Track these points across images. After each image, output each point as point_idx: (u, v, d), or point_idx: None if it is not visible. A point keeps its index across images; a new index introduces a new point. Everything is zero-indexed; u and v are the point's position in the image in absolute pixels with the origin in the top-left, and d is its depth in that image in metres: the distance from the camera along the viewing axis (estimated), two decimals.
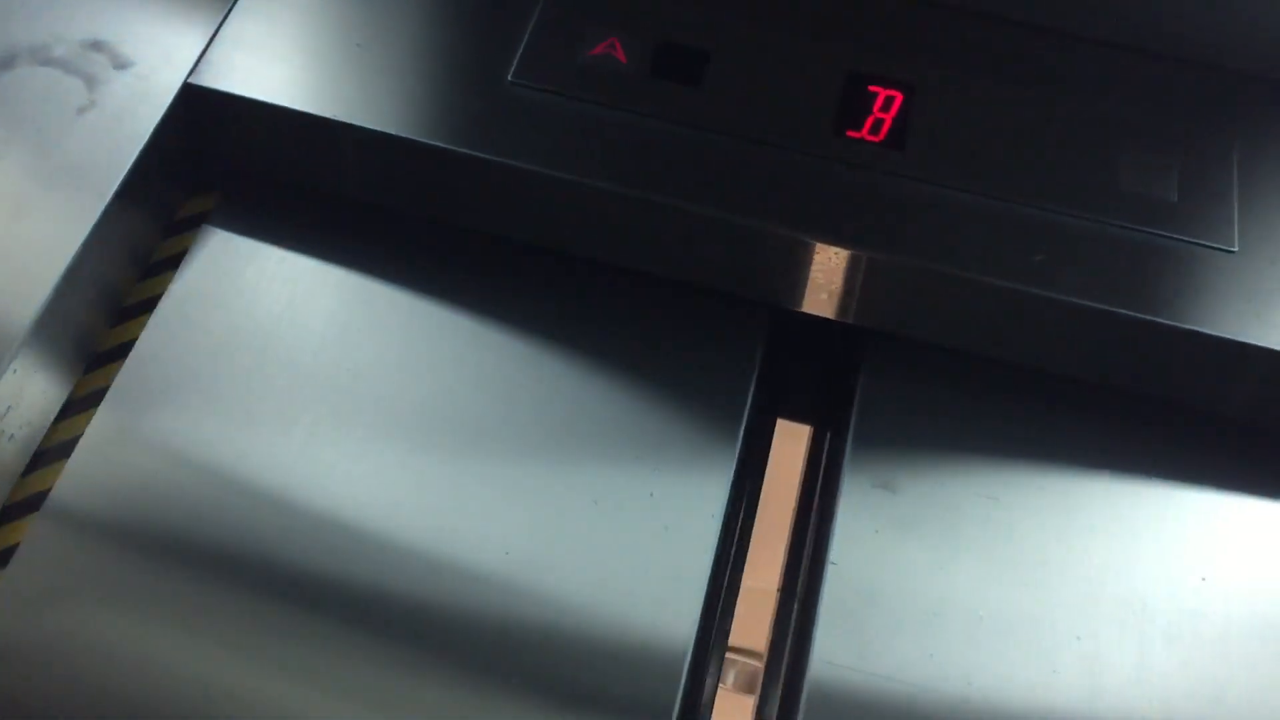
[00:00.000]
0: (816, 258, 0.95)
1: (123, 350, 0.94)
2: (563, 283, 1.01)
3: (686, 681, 0.85)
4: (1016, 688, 0.85)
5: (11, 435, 0.86)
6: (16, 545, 0.86)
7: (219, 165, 1.03)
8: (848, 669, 0.85)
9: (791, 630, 0.91)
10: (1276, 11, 1.00)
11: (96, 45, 0.97)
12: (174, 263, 0.99)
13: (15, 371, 0.84)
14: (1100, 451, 0.95)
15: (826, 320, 1.00)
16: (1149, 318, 0.91)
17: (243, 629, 0.84)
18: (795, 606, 0.92)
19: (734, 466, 0.93)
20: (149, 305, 0.97)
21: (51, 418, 0.90)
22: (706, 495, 0.91)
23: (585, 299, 1.01)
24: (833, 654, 0.86)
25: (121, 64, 0.97)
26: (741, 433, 0.94)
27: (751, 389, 0.96)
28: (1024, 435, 0.95)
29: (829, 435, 1.01)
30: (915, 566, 0.89)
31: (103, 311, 0.95)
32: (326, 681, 0.84)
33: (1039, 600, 0.89)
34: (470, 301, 0.99)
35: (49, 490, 0.87)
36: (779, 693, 0.89)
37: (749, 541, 0.98)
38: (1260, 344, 0.90)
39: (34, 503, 0.87)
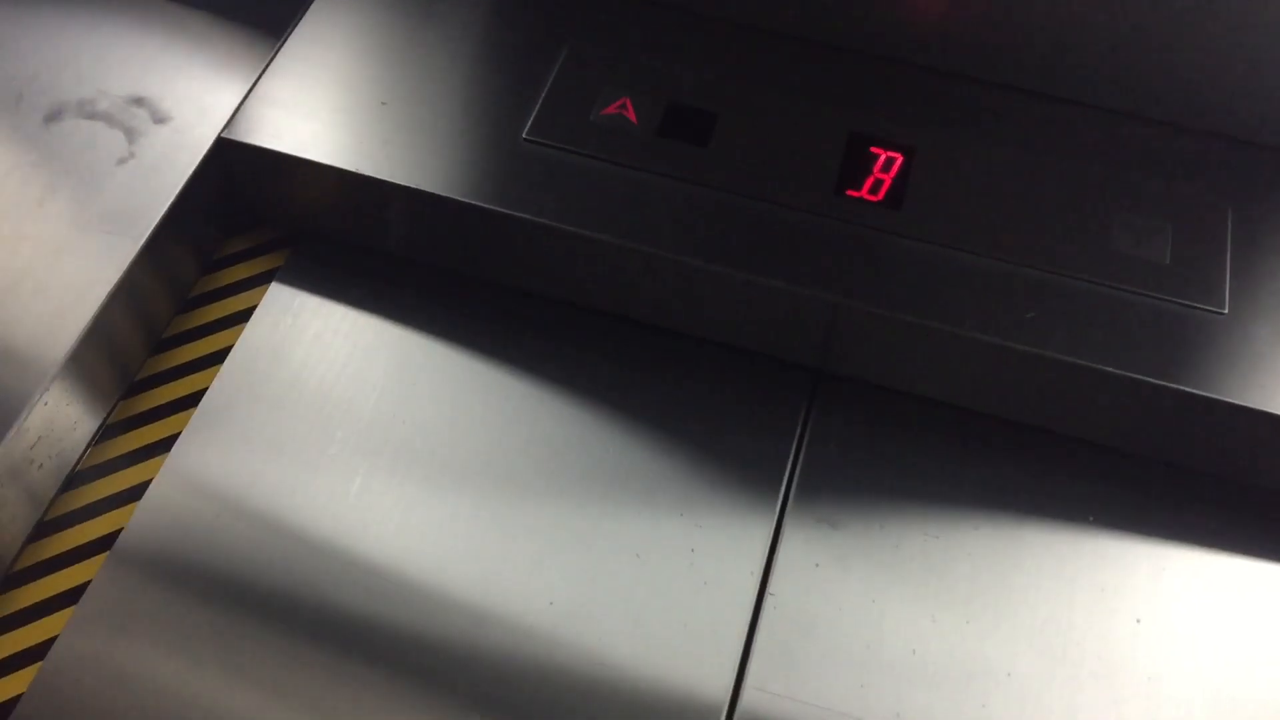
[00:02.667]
0: (812, 311, 0.98)
1: (156, 381, 1.00)
2: (611, 343, 1.05)
3: None
4: None
5: (41, 464, 0.91)
6: (89, 581, 0.90)
7: (252, 214, 1.09)
8: (779, 696, 0.87)
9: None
10: (1269, 80, 1.02)
11: (138, 101, 1.04)
12: (219, 307, 1.05)
13: (46, 404, 0.89)
14: (1040, 495, 0.97)
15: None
16: (1138, 376, 0.93)
17: (295, 675, 0.87)
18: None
19: (774, 523, 0.95)
20: (183, 340, 1.03)
21: (83, 447, 0.96)
22: (746, 552, 0.94)
23: (633, 358, 1.04)
24: (765, 681, 0.88)
25: (161, 118, 1.03)
26: (782, 490, 0.97)
27: (793, 447, 0.99)
28: (966, 478, 0.98)
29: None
30: (853, 600, 0.92)
31: (135, 348, 1.00)
32: None
33: (972, 637, 0.91)
34: (522, 360, 1.03)
35: (120, 531, 0.92)
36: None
37: None
38: (1246, 404, 0.92)
39: (107, 542, 0.92)
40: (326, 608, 0.90)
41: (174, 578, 0.91)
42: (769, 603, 0.92)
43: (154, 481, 0.95)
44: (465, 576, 0.92)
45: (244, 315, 1.04)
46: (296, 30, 1.10)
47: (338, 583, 0.91)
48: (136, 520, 0.93)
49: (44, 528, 0.93)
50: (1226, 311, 0.97)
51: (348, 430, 0.98)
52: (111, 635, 0.88)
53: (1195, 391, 0.93)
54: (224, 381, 1.00)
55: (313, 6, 1.11)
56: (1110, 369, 0.94)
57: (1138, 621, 0.92)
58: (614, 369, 1.03)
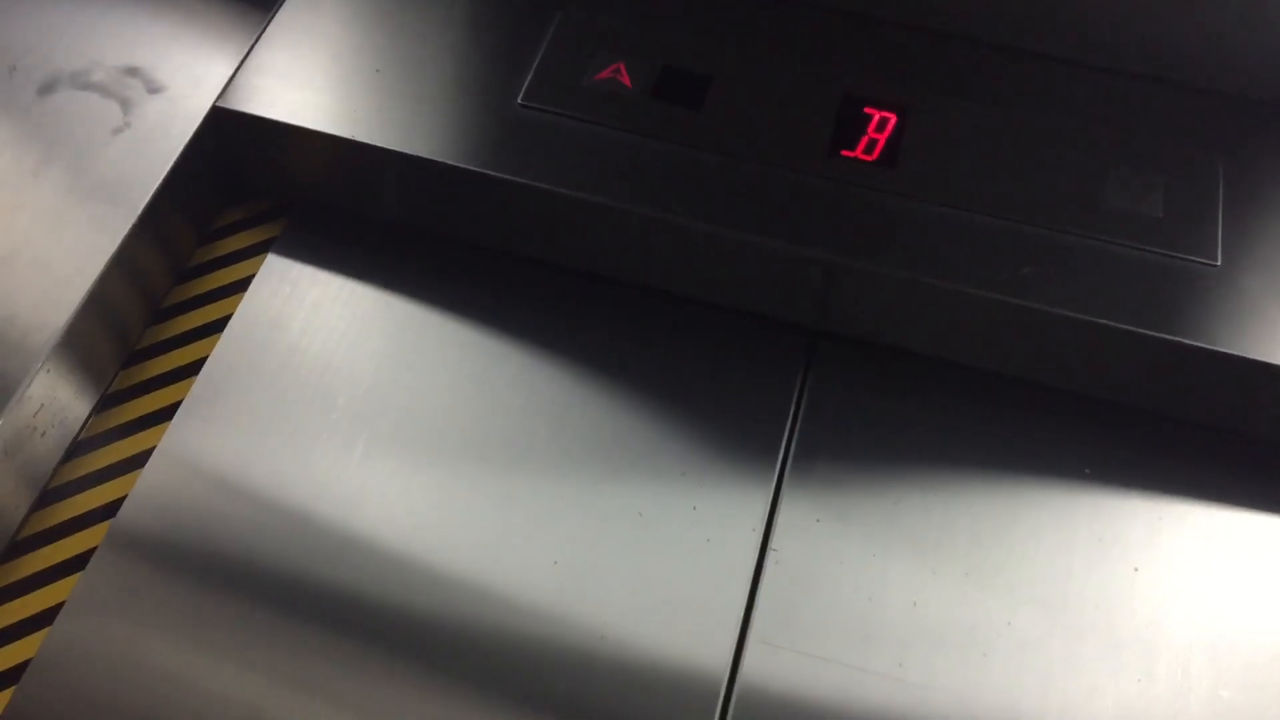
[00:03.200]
0: (809, 270, 0.99)
1: (155, 350, 1.01)
2: (611, 307, 1.05)
3: (727, 688, 0.87)
4: (947, 670, 0.88)
5: (44, 432, 0.92)
6: (94, 549, 0.90)
7: (248, 183, 1.09)
8: (782, 649, 0.88)
9: None
10: (1258, 35, 1.03)
11: (132, 71, 1.04)
12: (217, 277, 1.05)
13: (48, 372, 0.90)
14: (1037, 449, 0.98)
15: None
16: (1132, 328, 0.94)
17: (295, 656, 0.87)
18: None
19: (775, 481, 0.96)
20: (181, 309, 1.03)
21: (84, 416, 0.96)
22: (747, 509, 0.95)
23: (632, 322, 1.04)
24: (768, 635, 0.89)
25: (155, 88, 1.03)
26: (782, 448, 0.97)
27: (792, 405, 1.00)
28: (964, 432, 0.99)
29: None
30: (854, 555, 0.92)
31: (134, 317, 1.00)
32: (372, 707, 0.86)
33: (972, 589, 0.91)
34: (520, 325, 1.03)
35: (123, 499, 0.92)
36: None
37: None
38: (1239, 354, 0.93)
39: (110, 510, 0.92)
40: (325, 584, 0.90)
41: (174, 551, 0.91)
42: (771, 558, 0.92)
43: (155, 451, 0.95)
44: (469, 541, 0.92)
45: (242, 284, 1.04)
46: None
47: (338, 556, 0.91)
48: (138, 492, 0.93)
49: (47, 496, 0.93)
50: (1219, 263, 0.97)
51: (348, 397, 0.98)
52: (112, 611, 0.88)
53: (1189, 342, 0.94)
54: (223, 350, 1.00)
55: None
56: (1105, 322, 0.94)
57: (1135, 571, 0.93)
58: (612, 332, 1.04)
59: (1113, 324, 0.94)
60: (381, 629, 0.89)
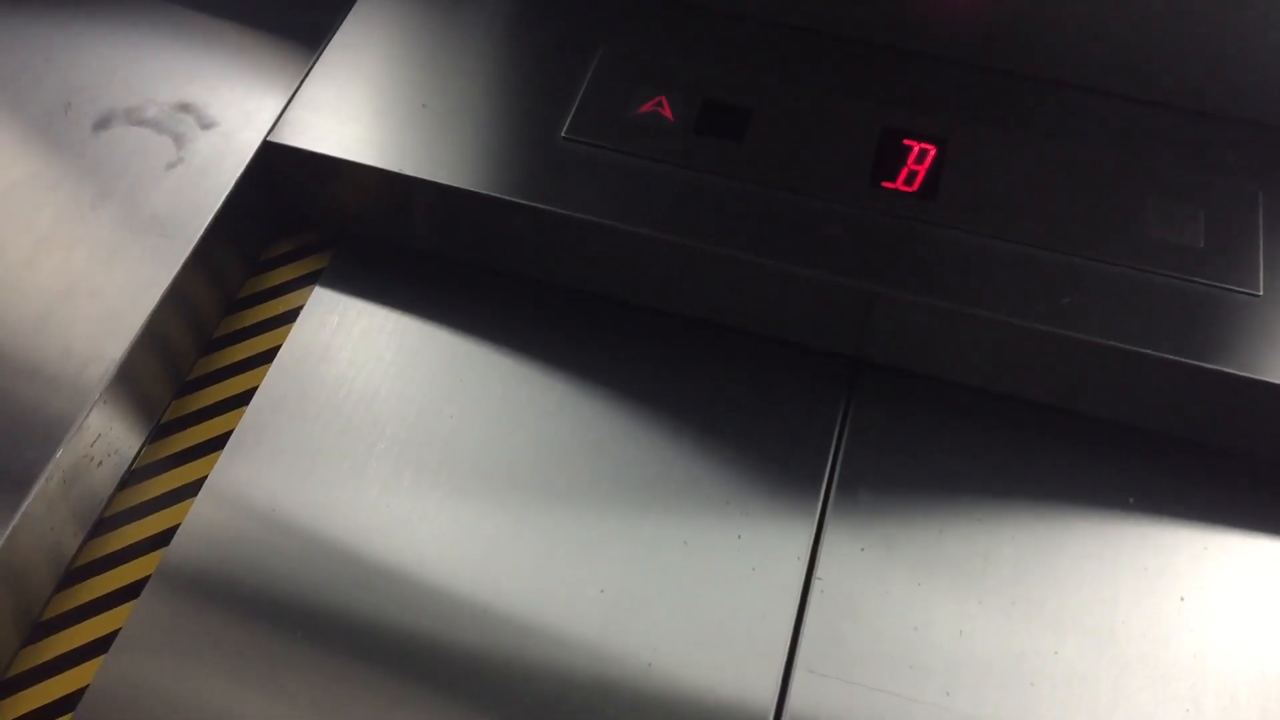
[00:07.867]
0: (851, 301, 0.99)
1: (206, 381, 1.02)
2: (654, 338, 1.06)
3: (774, 718, 0.88)
4: (994, 700, 0.88)
5: (100, 461, 0.93)
6: (148, 577, 0.92)
7: (297, 216, 1.11)
8: (829, 678, 0.89)
9: None
10: None
11: (185, 107, 1.06)
12: (266, 308, 1.07)
13: (104, 403, 0.91)
14: (1081, 479, 0.99)
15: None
16: (1175, 358, 0.94)
17: (340, 689, 0.88)
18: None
19: (819, 509, 0.97)
20: (231, 340, 1.05)
21: (138, 446, 0.98)
22: (792, 538, 0.95)
23: (675, 352, 1.05)
24: (815, 663, 0.89)
25: (207, 124, 1.05)
26: (826, 477, 0.98)
27: (835, 433, 1.01)
28: (1009, 461, 0.99)
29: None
30: (899, 584, 0.93)
31: (186, 348, 1.02)
32: None
33: (1019, 618, 0.92)
34: (566, 356, 1.04)
35: (175, 528, 0.94)
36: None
37: None
38: None
39: (164, 538, 0.94)
40: (372, 622, 0.91)
41: (224, 583, 0.92)
42: (816, 587, 0.93)
43: (206, 482, 0.96)
44: (514, 572, 0.93)
45: (291, 316, 1.06)
46: (336, 37, 1.12)
47: (383, 587, 0.92)
48: (189, 523, 0.94)
49: (101, 525, 0.95)
50: (1261, 293, 0.98)
51: (395, 428, 1.00)
52: (164, 643, 0.89)
53: (1232, 372, 0.94)
54: (273, 381, 1.02)
55: (351, 13, 1.14)
56: (1148, 351, 0.95)
57: (1181, 600, 0.93)
58: (655, 362, 1.05)
59: (1155, 353, 0.95)
60: (428, 661, 0.89)
